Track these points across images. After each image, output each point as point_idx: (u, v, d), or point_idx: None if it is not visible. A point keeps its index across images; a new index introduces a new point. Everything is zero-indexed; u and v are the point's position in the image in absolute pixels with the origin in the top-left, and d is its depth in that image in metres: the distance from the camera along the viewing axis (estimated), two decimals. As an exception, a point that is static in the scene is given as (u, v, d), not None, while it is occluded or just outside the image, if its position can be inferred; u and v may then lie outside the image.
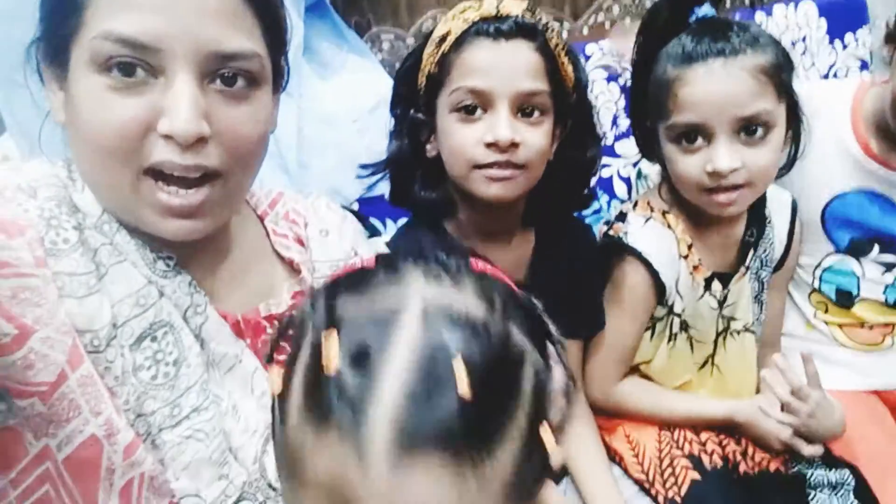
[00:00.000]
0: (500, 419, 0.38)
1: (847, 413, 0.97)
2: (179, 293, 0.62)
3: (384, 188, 1.31)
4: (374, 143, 1.27)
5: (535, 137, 0.83)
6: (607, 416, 1.01)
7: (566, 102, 0.87)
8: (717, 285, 0.97)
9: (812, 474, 0.96)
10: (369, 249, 0.78)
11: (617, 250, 0.95)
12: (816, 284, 1.14)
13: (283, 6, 0.66)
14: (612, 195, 1.42)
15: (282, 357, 0.44)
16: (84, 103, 0.57)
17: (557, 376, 0.43)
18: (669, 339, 0.98)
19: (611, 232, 0.96)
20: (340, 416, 0.36)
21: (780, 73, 0.84)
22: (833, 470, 0.96)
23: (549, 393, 0.42)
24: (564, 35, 1.42)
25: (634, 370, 1.01)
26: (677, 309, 0.96)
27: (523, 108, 0.82)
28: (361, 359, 0.37)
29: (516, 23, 0.81)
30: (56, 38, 0.59)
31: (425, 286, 0.40)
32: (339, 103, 1.25)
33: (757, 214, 1.00)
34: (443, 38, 0.83)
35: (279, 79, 0.67)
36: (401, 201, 0.96)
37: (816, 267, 1.13)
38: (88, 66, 0.56)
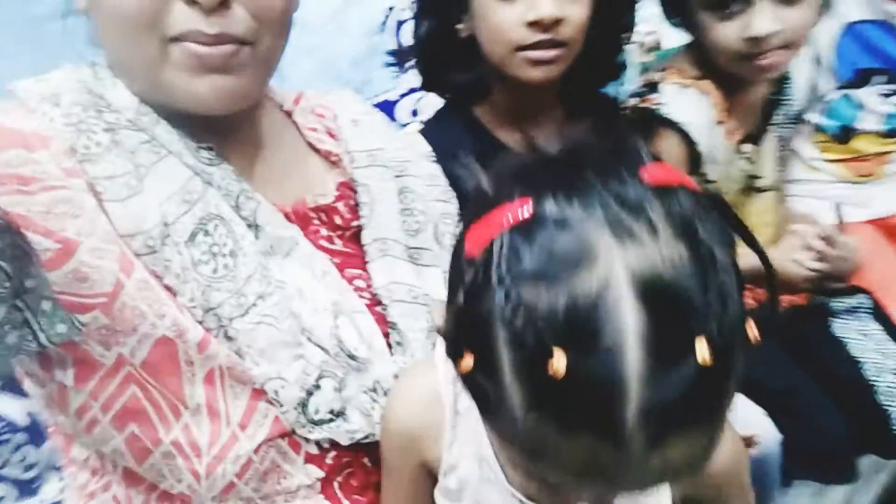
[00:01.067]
0: (733, 369, 0.37)
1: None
2: (227, 179, 0.62)
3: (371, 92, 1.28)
4: (352, 43, 1.23)
5: (578, 10, 0.79)
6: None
7: None
8: (747, 146, 0.97)
9: (832, 303, 1.02)
10: (401, 140, 0.78)
11: (651, 123, 0.92)
12: (819, 121, 1.16)
13: None
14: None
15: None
16: None
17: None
18: None
19: (642, 104, 0.94)
20: (586, 420, 0.35)
21: None
22: (851, 297, 1.02)
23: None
24: None
25: None
26: (711, 176, 0.96)
27: None
28: (590, 359, 0.34)
29: None
30: None
31: (619, 250, 0.35)
32: (307, 5, 1.18)
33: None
34: None
35: None
36: (435, 86, 0.92)
37: (822, 100, 1.15)
38: None
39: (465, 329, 0.39)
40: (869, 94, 1.14)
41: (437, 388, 0.54)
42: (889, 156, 1.19)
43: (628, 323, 0.34)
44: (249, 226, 0.61)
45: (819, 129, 1.17)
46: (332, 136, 0.72)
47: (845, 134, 1.17)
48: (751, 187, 1.01)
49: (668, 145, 0.92)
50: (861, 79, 1.13)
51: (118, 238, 0.54)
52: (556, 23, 0.77)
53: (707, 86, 0.92)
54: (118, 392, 0.56)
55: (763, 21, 0.81)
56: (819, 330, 1.00)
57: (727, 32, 0.84)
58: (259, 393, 0.58)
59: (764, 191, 1.02)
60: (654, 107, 0.92)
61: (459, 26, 0.84)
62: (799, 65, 1.03)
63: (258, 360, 0.58)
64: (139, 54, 0.57)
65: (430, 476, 0.57)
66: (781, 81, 0.99)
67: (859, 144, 1.17)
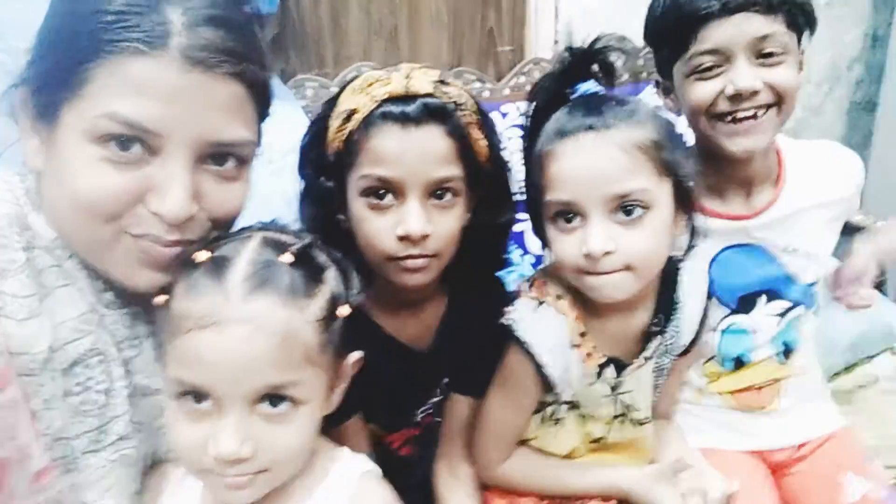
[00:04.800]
0: (310, 285, 0.63)
1: (731, 471, 1.00)
2: (119, 325, 0.64)
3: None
4: (288, 185, 1.29)
5: (447, 223, 0.82)
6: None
7: (480, 175, 0.85)
8: (610, 372, 0.92)
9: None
10: None
11: (508, 335, 0.90)
12: (713, 352, 1.12)
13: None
14: (525, 250, 1.46)
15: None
16: (73, 168, 0.58)
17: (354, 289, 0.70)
18: (556, 422, 0.97)
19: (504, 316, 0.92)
20: (211, 282, 0.59)
21: (659, 150, 0.80)
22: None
23: (346, 292, 0.68)
24: (487, 94, 1.48)
25: (522, 441, 1.00)
26: (565, 397, 0.93)
27: (435, 192, 0.80)
28: (222, 258, 0.61)
29: (425, 105, 0.78)
30: (47, 98, 0.59)
31: (264, 232, 0.66)
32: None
33: (666, 300, 0.94)
34: (349, 116, 0.80)
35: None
36: None
37: (713, 332, 1.10)
38: (84, 135, 0.57)
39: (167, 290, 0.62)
40: (759, 318, 1.10)
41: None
42: (783, 386, 1.14)
43: (249, 248, 0.62)
44: (126, 371, 0.64)
45: (712, 359, 1.12)
46: None
47: (739, 364, 1.12)
48: (624, 415, 0.97)
49: (518, 362, 0.89)
50: (747, 304, 1.10)
51: (6, 353, 0.55)
52: (424, 237, 0.79)
53: (564, 305, 0.89)
54: None
55: (596, 237, 0.79)
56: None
57: (568, 246, 0.82)
58: None
59: (642, 423, 0.98)
60: (507, 321, 0.90)
61: (340, 217, 0.86)
62: (693, 293, 0.98)
63: (104, 495, 0.59)
64: (87, 239, 0.60)
65: None
66: (668, 309, 0.95)
67: (753, 375, 1.13)
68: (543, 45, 1.60)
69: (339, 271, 0.69)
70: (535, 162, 0.85)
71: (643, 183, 0.79)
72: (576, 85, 0.85)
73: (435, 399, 1.00)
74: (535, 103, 0.88)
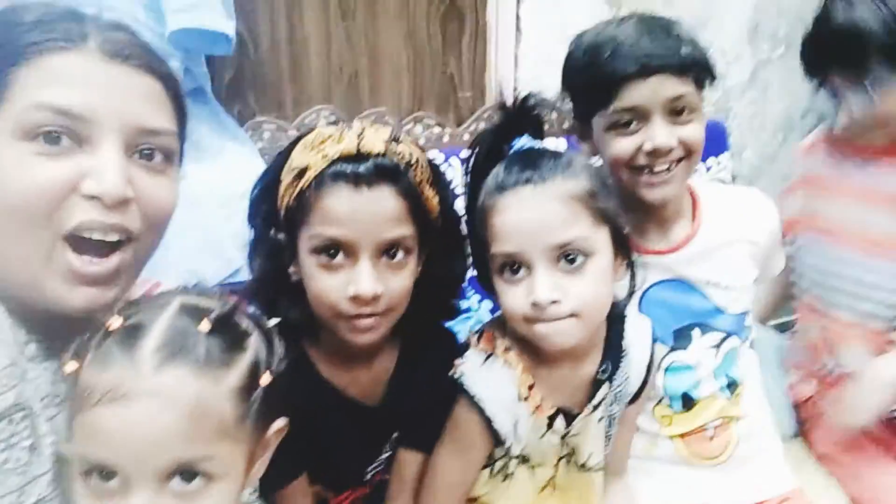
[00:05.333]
0: (228, 354, 0.61)
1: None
2: (41, 381, 0.62)
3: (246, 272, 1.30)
4: (241, 230, 1.26)
5: (399, 281, 0.81)
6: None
7: (432, 231, 0.85)
8: (560, 423, 0.93)
9: None
10: None
11: (457, 389, 0.90)
12: (660, 392, 1.12)
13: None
14: (483, 295, 1.45)
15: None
16: (4, 169, 0.58)
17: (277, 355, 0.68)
18: (506, 478, 0.96)
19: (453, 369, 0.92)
20: (121, 352, 0.58)
21: (594, 199, 0.83)
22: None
23: (269, 359, 0.66)
24: (446, 139, 1.49)
25: (472, 499, 0.98)
26: (515, 451, 0.93)
27: (387, 250, 0.80)
28: (135, 326, 0.59)
29: (377, 165, 0.77)
30: None
31: (184, 296, 0.64)
32: (208, 186, 1.22)
33: (613, 347, 0.95)
34: (301, 173, 0.79)
35: (180, 160, 0.74)
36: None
37: (656, 371, 1.09)
38: (12, 135, 0.58)
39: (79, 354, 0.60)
40: (697, 352, 1.11)
41: None
42: (734, 435, 1.14)
43: (167, 315, 0.61)
44: (51, 428, 0.62)
45: (660, 401, 1.12)
46: None
47: (688, 403, 1.12)
48: (570, 455, 0.97)
49: (467, 416, 0.89)
50: (682, 339, 1.10)
51: None
52: (376, 297, 0.78)
53: (512, 358, 0.89)
54: None
55: (541, 287, 0.80)
56: None
57: (515, 297, 0.83)
58: None
59: (589, 469, 0.98)
60: (456, 374, 0.90)
61: (291, 270, 0.84)
62: (638, 339, 0.99)
63: None
64: (23, 253, 0.59)
65: None
66: (615, 357, 0.95)
67: (703, 412, 1.12)
68: (503, 92, 1.61)
69: (262, 337, 0.67)
70: (477, 216, 0.87)
71: (582, 231, 0.82)
72: (512, 140, 0.88)
73: (385, 456, 0.98)
74: (472, 158, 0.91)
